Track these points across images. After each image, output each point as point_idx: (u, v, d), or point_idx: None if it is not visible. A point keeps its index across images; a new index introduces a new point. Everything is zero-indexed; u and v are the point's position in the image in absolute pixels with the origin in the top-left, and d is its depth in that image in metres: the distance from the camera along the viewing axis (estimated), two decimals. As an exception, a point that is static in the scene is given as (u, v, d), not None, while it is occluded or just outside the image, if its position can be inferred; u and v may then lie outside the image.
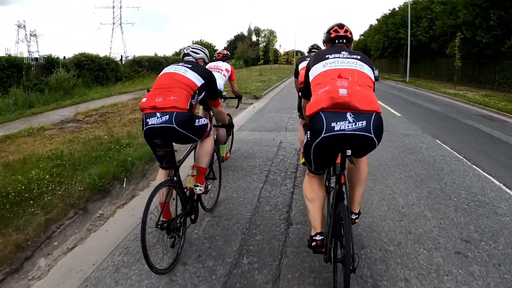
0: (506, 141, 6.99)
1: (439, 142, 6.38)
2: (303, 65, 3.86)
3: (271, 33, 69.58)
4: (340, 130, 1.86)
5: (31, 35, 47.05)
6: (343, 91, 1.87)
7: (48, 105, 11.06)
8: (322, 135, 1.90)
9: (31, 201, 3.29)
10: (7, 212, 3.01)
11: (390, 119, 8.95)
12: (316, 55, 2.29)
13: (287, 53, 66.19)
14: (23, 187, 3.44)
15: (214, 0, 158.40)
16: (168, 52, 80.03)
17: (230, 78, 4.75)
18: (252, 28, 76.85)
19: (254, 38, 75.53)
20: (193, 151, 3.01)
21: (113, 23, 48.20)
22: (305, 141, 2.10)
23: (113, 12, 53.60)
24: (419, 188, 4.00)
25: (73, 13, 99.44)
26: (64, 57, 18.24)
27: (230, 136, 5.12)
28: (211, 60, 4.42)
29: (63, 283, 2.40)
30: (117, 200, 3.70)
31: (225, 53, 4.92)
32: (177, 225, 2.47)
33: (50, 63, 15.33)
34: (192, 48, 2.90)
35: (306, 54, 4.84)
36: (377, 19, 42.91)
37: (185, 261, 2.54)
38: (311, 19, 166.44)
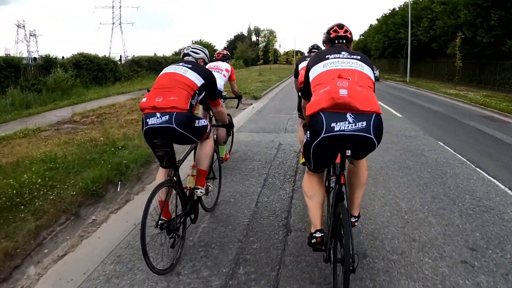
0: (509, 143, 6.88)
1: (442, 144, 6.27)
2: (303, 65, 3.86)
3: (271, 33, 69.51)
4: (340, 130, 1.86)
5: (31, 35, 46.99)
6: (343, 92, 1.87)
7: (46, 106, 10.98)
8: (322, 135, 1.90)
9: (22, 207, 3.18)
10: (-4, 219, 2.91)
11: (391, 120, 8.85)
12: (316, 55, 2.29)
13: (287, 53, 66.20)
14: (14, 192, 3.33)
15: (214, 0, 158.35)
16: (168, 52, 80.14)
17: (230, 78, 4.74)
18: (252, 28, 76.93)
19: (254, 38, 75.57)
20: (193, 151, 2.99)
21: (113, 23, 48.00)
22: (304, 140, 2.09)
23: (113, 12, 53.09)
24: (422, 192, 3.89)
25: (73, 13, 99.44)
26: (63, 57, 18.16)
27: (230, 137, 5.10)
28: (211, 60, 4.40)
29: (53, 293, 2.30)
30: (110, 205, 3.59)
31: (225, 53, 4.90)
32: (177, 225, 2.46)
33: (48, 63, 15.25)
34: (192, 48, 2.90)
35: (306, 54, 4.79)
36: (377, 19, 42.91)
37: (179, 271, 2.43)
38: (311, 19, 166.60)
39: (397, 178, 4.34)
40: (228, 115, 3.65)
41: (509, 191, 4.02)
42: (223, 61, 4.76)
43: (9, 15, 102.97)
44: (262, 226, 3.04)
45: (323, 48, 2.59)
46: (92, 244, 2.93)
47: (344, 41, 2.32)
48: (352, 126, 1.85)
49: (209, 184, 2.98)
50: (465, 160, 5.28)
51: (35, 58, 16.64)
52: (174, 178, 2.52)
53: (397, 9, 35.77)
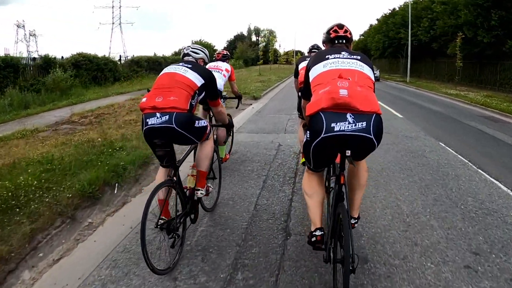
0: (511, 144, 6.82)
1: (443, 145, 6.21)
2: (303, 65, 3.85)
3: (271, 33, 69.32)
4: (340, 130, 1.86)
5: (30, 35, 46.79)
6: (343, 92, 1.87)
7: (44, 106, 10.92)
8: (322, 135, 1.90)
9: (18, 209, 3.13)
10: (-10, 222, 2.86)
11: (391, 120, 8.79)
12: (316, 55, 2.29)
13: (286, 53, 66.14)
14: (9, 194, 3.28)
15: (214, 0, 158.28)
16: (168, 52, 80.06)
17: (230, 78, 4.76)
18: (252, 28, 76.79)
19: (253, 38, 75.41)
20: (193, 151, 2.99)
21: (113, 23, 47.77)
22: (304, 140, 2.10)
23: (113, 12, 52.94)
24: (424, 194, 3.83)
25: (72, 13, 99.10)
26: (62, 57, 18.09)
27: (230, 137, 5.09)
28: (211, 60, 4.41)
29: (47, 298, 2.25)
30: (107, 208, 3.53)
31: (225, 53, 4.92)
32: (177, 225, 2.45)
33: (47, 63, 15.17)
34: (192, 48, 2.90)
35: (306, 54, 4.76)
36: (377, 19, 42.82)
37: (175, 276, 2.37)
38: (311, 19, 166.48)
39: (398, 180, 4.28)
40: (228, 115, 3.66)
41: (512, 193, 3.96)
42: (223, 61, 4.77)
43: (9, 15, 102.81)
44: (261, 230, 2.98)
45: (323, 48, 2.58)
46: (88, 248, 2.88)
47: (344, 41, 2.32)
48: (352, 126, 1.85)
49: (209, 185, 2.98)
50: (466, 161, 5.23)
51: (34, 58, 16.58)
52: (174, 178, 2.52)
53: (397, 9, 35.70)
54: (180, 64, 2.68)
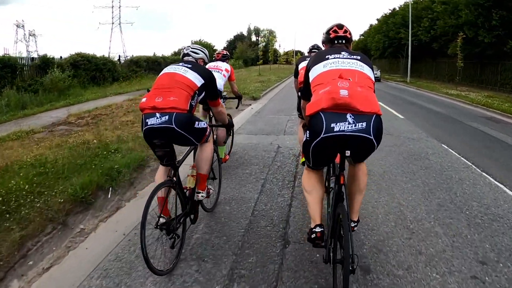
0: (514, 145, 6.71)
1: (446, 147, 6.09)
2: (303, 65, 3.81)
3: (271, 33, 69.26)
4: (339, 130, 1.86)
5: (30, 35, 46.62)
6: (344, 92, 1.87)
7: (42, 107, 10.79)
8: (322, 135, 1.90)
9: (7, 215, 3.02)
10: (-22, 229, 2.75)
11: (393, 121, 8.68)
12: (316, 55, 2.28)
13: (286, 53, 66.07)
14: (0, 199, 3.17)
15: (214, 0, 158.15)
16: (167, 52, 79.91)
17: (229, 78, 4.74)
18: (252, 28, 76.66)
19: (253, 38, 75.29)
20: (193, 151, 2.97)
21: (112, 23, 47.62)
22: (304, 139, 2.10)
23: (112, 12, 52.92)
24: (428, 199, 3.71)
25: (72, 13, 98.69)
26: (61, 57, 17.97)
27: (230, 137, 5.03)
28: (211, 60, 4.38)
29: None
30: (100, 213, 3.42)
31: (225, 53, 4.90)
32: (176, 225, 2.44)
33: (45, 63, 15.04)
34: (191, 48, 2.89)
35: (306, 54, 4.70)
36: (377, 19, 42.75)
37: (168, 287, 2.26)
38: (311, 19, 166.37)
39: (401, 184, 4.16)
40: (228, 115, 3.62)
41: (517, 198, 3.85)
42: (223, 61, 4.76)
43: (8, 15, 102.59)
44: (259, 238, 2.86)
45: (323, 48, 2.55)
46: (79, 256, 2.77)
47: (344, 41, 2.32)
48: (352, 126, 1.85)
49: (210, 187, 2.96)
50: (470, 164, 5.11)
51: (33, 58, 16.46)
52: (174, 178, 2.51)
53: (397, 9, 35.62)
54: (180, 64, 2.67)
